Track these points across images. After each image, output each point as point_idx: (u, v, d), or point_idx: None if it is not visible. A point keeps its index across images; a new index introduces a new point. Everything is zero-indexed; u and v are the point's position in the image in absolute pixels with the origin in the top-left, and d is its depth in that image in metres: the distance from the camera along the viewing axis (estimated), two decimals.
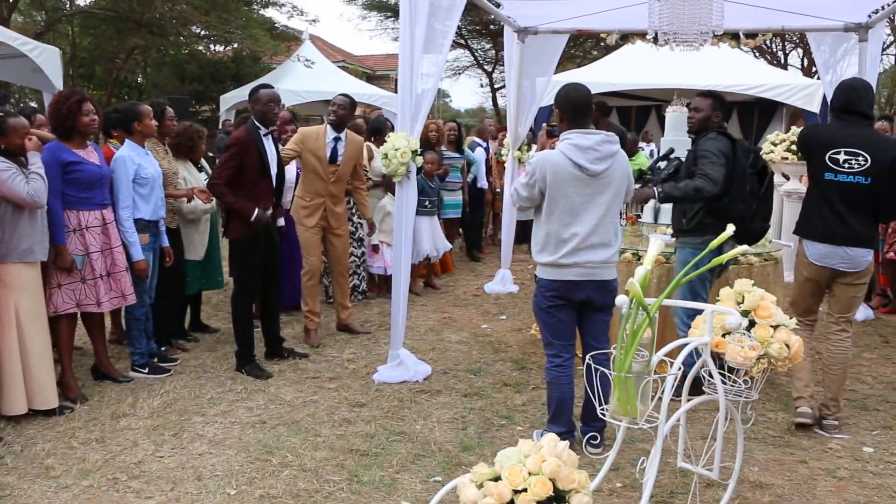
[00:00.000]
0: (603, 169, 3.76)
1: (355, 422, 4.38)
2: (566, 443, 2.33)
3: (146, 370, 5.10)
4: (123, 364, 5.26)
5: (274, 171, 5.31)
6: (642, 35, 7.23)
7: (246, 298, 5.34)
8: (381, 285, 7.68)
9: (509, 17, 7.44)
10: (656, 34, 5.97)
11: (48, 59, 9.34)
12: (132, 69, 22.40)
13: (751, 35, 7.21)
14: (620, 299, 2.83)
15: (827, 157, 4.23)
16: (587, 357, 2.89)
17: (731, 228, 3.02)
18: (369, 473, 3.73)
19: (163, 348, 5.50)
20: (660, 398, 2.72)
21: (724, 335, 2.97)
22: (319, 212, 5.91)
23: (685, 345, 2.90)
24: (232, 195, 5.07)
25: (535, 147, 8.66)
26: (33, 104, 13.75)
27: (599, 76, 13.01)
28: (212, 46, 22.47)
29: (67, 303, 4.58)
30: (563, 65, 16.12)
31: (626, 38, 7.81)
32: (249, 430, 4.24)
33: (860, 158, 4.15)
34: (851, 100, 4.30)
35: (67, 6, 19.81)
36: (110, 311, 5.03)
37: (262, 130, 5.19)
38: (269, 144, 5.26)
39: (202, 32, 19.45)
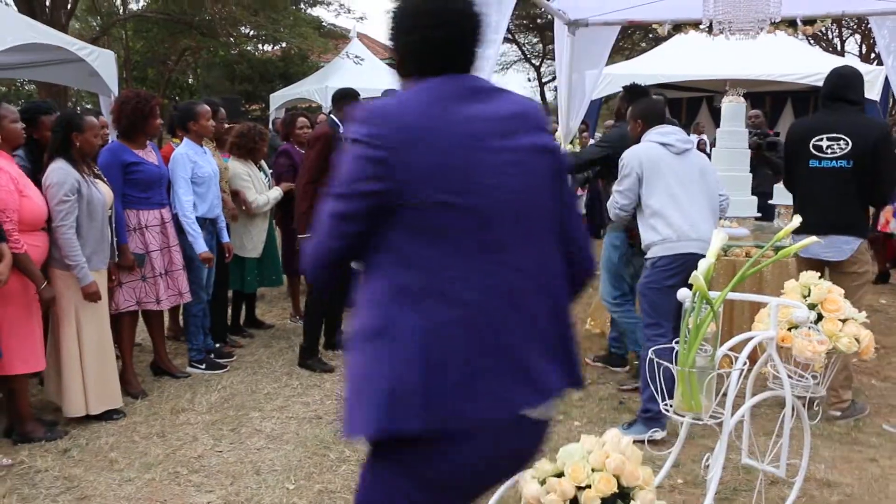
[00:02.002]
0: (688, 148, 4.15)
1: None
2: (629, 438, 2.30)
3: (203, 366, 5.18)
4: (181, 360, 5.35)
5: None
6: (696, 25, 7.11)
7: (317, 295, 5.35)
8: None
9: (560, 10, 7.38)
10: (711, 23, 5.85)
11: (104, 63, 9.55)
12: (183, 70, 22.81)
13: (809, 21, 7.04)
14: (683, 293, 2.78)
15: (811, 145, 4.41)
16: (649, 352, 2.83)
17: (797, 220, 2.93)
18: None
19: (218, 345, 5.58)
20: (724, 394, 2.66)
21: (790, 329, 2.89)
22: None
23: (750, 339, 2.83)
24: (308, 210, 5.06)
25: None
26: (89, 107, 14.09)
27: (649, 68, 12.82)
28: (261, 46, 22.73)
29: (128, 300, 4.67)
30: (611, 57, 15.93)
31: (678, 28, 7.69)
32: (306, 426, 4.27)
33: (841, 142, 4.30)
34: (838, 86, 4.44)
35: (122, 11, 20.23)
36: (168, 308, 5.11)
37: (340, 129, 5.24)
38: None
39: (251, 33, 19.69)
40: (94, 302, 4.14)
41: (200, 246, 4.98)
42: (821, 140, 4.37)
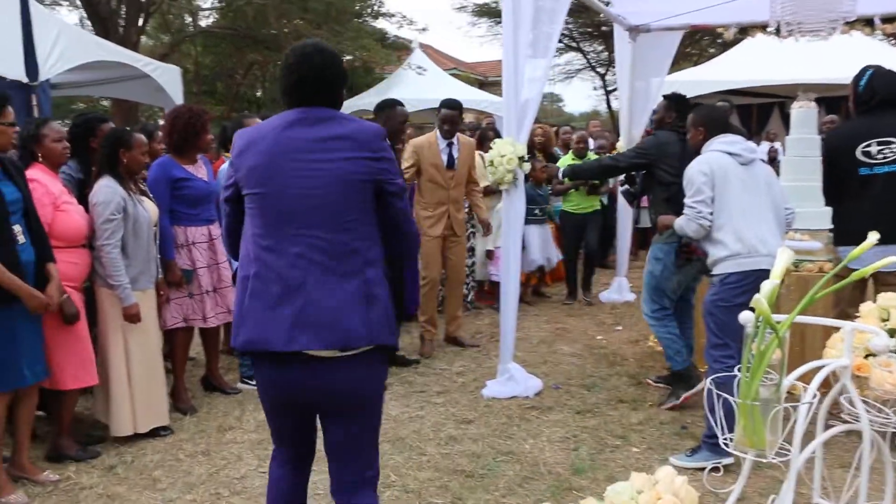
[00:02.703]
0: (754, 158, 3.95)
1: (462, 440, 4.22)
2: (684, 478, 2.10)
3: (254, 382, 5.11)
4: (233, 375, 5.30)
5: None
6: (763, 27, 6.79)
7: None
8: (497, 295, 7.49)
9: (619, 15, 7.15)
10: (779, 25, 5.55)
11: (169, 78, 9.72)
12: (251, 84, 23.17)
13: (888, 19, 6.63)
14: (745, 317, 2.57)
15: (858, 153, 4.22)
16: (707, 381, 2.62)
17: (873, 236, 2.68)
18: (474, 497, 3.57)
19: None
20: (792, 428, 2.43)
21: (866, 357, 2.63)
22: (444, 220, 5.84)
23: (821, 368, 2.59)
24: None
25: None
26: (161, 122, 14.40)
27: (717, 74, 12.41)
28: None
29: (175, 317, 4.64)
30: (678, 63, 15.51)
31: (745, 31, 7.38)
32: None
33: (893, 146, 4.15)
34: (879, 88, 4.25)
35: (191, 27, 20.68)
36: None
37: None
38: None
39: None
40: (133, 323, 4.10)
41: None
42: (869, 146, 4.19)
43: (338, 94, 2.45)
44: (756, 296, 2.42)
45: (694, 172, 3.92)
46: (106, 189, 4.02)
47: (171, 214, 4.58)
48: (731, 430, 2.50)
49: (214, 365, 5.12)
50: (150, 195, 4.39)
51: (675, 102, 4.95)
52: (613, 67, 29.09)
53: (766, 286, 2.49)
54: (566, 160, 7.41)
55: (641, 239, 9.60)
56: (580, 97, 65.64)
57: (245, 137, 2.42)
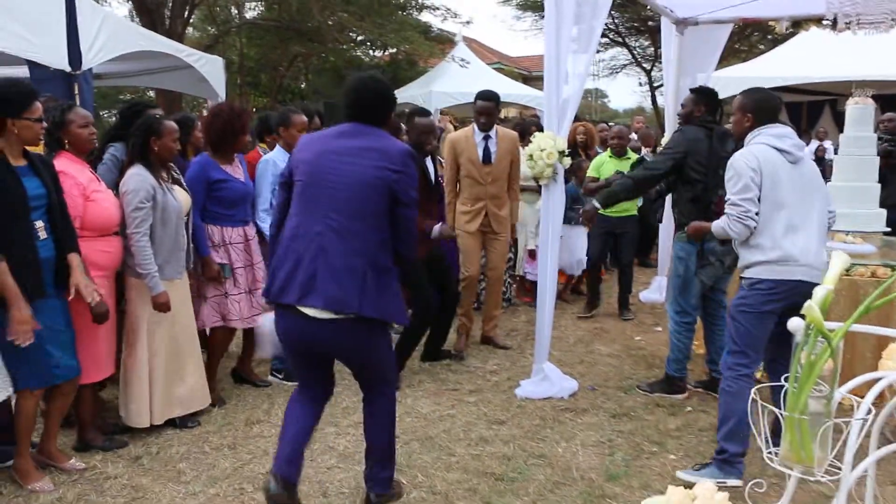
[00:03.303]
0: (803, 155, 3.67)
1: (493, 441, 4.11)
2: (725, 494, 1.96)
3: (282, 375, 5.06)
4: (264, 367, 5.25)
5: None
6: (818, 20, 6.56)
7: (427, 310, 5.13)
8: (535, 293, 7.30)
9: (667, 7, 6.95)
10: (835, 17, 5.32)
11: (212, 69, 9.73)
12: (295, 76, 23.28)
13: None
14: (795, 324, 2.41)
15: None
16: (752, 392, 2.47)
17: None
18: (503, 501, 3.45)
19: None
20: (843, 444, 2.27)
21: None
22: (481, 216, 5.67)
23: (876, 380, 2.42)
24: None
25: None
26: (205, 112, 14.48)
27: (767, 70, 12.01)
28: (371, 52, 22.96)
29: (214, 317, 4.57)
30: (726, 60, 15.14)
31: (798, 25, 7.14)
32: None
33: None
34: None
35: (236, 19, 20.83)
36: None
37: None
38: (428, 161, 5.19)
39: (359, 38, 19.88)
40: (163, 312, 4.05)
41: None
42: None
43: (383, 115, 3.09)
44: (808, 302, 2.28)
45: (741, 166, 3.57)
46: (136, 177, 3.97)
47: (208, 214, 4.52)
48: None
49: (248, 358, 5.06)
50: (184, 185, 4.33)
51: (704, 96, 4.75)
52: (660, 63, 28.62)
53: (820, 292, 2.35)
54: (603, 159, 7.07)
55: None
56: (625, 93, 64.90)
57: (307, 139, 3.17)
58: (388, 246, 3.01)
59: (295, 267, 2.93)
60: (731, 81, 9.44)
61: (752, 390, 2.46)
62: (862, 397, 2.35)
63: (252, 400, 4.73)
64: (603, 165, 6.93)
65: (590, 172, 6.99)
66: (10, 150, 3.37)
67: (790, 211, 3.53)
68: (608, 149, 7.27)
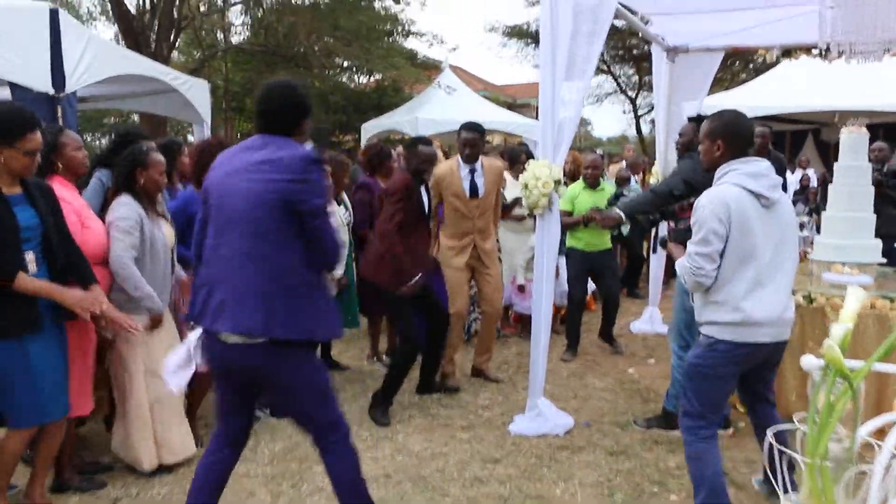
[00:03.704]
0: (778, 197, 3.22)
1: (488, 481, 3.96)
2: None
3: (268, 410, 4.89)
4: None
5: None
6: (808, 49, 6.53)
7: (410, 346, 4.99)
8: (525, 325, 7.18)
9: (658, 35, 6.93)
10: (829, 46, 5.28)
11: (198, 93, 9.57)
12: None
13: None
14: (809, 363, 2.30)
15: None
16: (769, 433, 2.35)
17: None
18: None
19: None
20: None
21: None
22: (468, 250, 5.51)
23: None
24: (402, 247, 4.86)
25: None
26: (191, 138, 14.35)
27: (750, 99, 12.01)
28: (356, 78, 22.95)
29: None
30: (709, 89, 15.19)
31: (787, 53, 7.12)
32: (372, 485, 3.84)
33: None
34: None
35: (222, 44, 20.76)
36: None
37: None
38: (423, 191, 5.11)
39: (345, 64, 19.86)
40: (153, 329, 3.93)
41: None
42: None
43: (291, 124, 2.88)
44: (826, 341, 2.16)
45: (707, 214, 3.13)
46: (125, 206, 3.82)
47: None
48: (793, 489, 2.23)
49: None
50: (168, 218, 4.18)
51: (702, 124, 4.58)
52: (644, 91, 28.87)
53: (838, 331, 2.23)
54: (577, 190, 6.59)
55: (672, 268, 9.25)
56: (609, 121, 65.16)
57: (220, 158, 2.98)
58: (302, 263, 2.81)
59: (209, 292, 2.83)
60: (713, 111, 9.42)
61: (769, 433, 2.34)
62: (882, 440, 2.23)
63: None
64: (578, 197, 6.52)
65: (563, 205, 6.26)
66: (2, 178, 3.21)
67: (759, 263, 3.14)
68: (580, 178, 6.81)
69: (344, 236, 5.75)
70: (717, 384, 3.26)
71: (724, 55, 7.42)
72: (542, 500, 3.74)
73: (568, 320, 6.72)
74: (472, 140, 5.43)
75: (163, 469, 4.02)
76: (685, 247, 3.33)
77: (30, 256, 3.25)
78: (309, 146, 3.03)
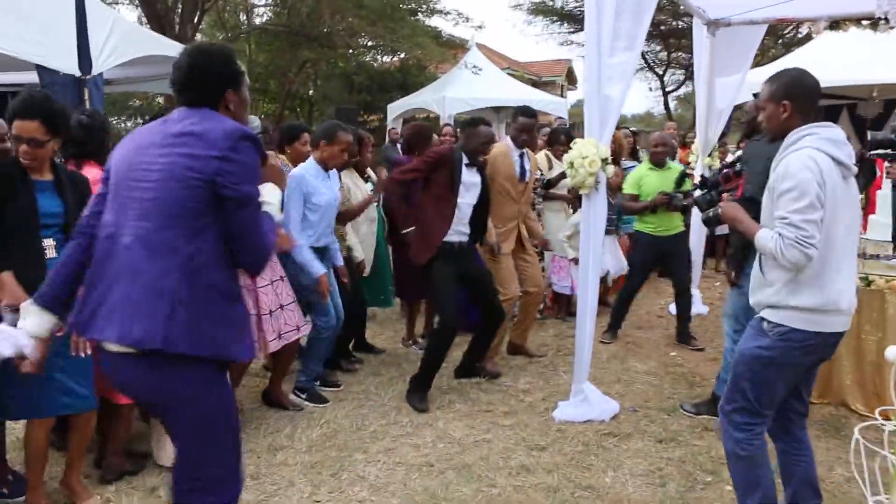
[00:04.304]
0: (855, 169, 2.88)
1: (535, 470, 3.82)
2: None
3: (305, 395, 4.78)
4: (286, 386, 4.95)
5: (473, 200, 4.91)
6: (857, 20, 6.27)
7: (449, 327, 4.81)
8: (561, 305, 7.04)
9: (699, 8, 6.68)
10: (886, 16, 5.03)
11: None
12: (304, 82, 23.05)
13: None
14: (893, 352, 2.14)
15: None
16: (856, 431, 2.19)
17: None
18: None
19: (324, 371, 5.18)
20: None
21: None
22: (513, 235, 5.44)
23: None
24: (401, 195, 4.74)
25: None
26: None
27: None
28: (380, 57, 22.76)
29: None
30: None
31: (835, 25, 6.85)
32: (415, 474, 3.78)
33: None
34: None
35: (245, 25, 20.64)
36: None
37: (465, 160, 4.82)
38: (469, 173, 4.86)
39: (369, 43, 19.69)
40: None
41: (317, 269, 4.54)
42: None
43: (212, 93, 2.37)
44: None
45: (805, 178, 2.69)
46: None
47: None
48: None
49: (279, 381, 4.77)
50: None
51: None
52: (672, 68, 28.40)
53: None
54: (642, 172, 6.28)
55: (712, 247, 9.04)
56: (635, 98, 64.19)
57: (131, 134, 2.50)
58: (220, 262, 2.28)
59: (98, 291, 2.27)
60: (746, 86, 9.15)
61: (856, 430, 2.18)
62: None
63: (274, 423, 4.46)
64: (643, 179, 6.18)
65: (628, 188, 6.25)
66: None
67: (838, 244, 2.80)
68: (646, 159, 6.57)
69: (372, 213, 5.65)
70: (784, 377, 2.92)
71: (766, 28, 7.16)
72: (593, 491, 3.60)
73: (617, 302, 6.50)
74: (530, 125, 5.38)
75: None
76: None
77: (48, 242, 3.20)
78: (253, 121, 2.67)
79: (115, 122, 24.10)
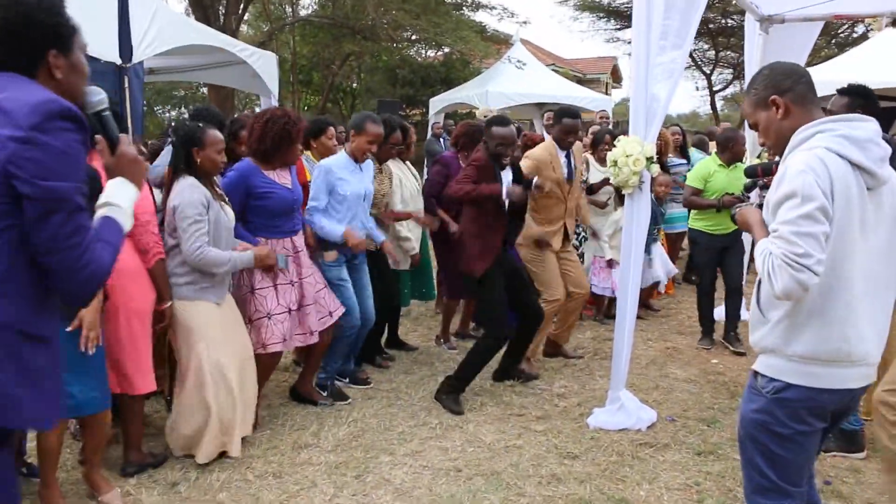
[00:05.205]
0: (887, 176, 2.22)
1: (566, 479, 3.67)
2: None
3: (325, 392, 4.69)
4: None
5: (506, 200, 4.74)
6: None
7: (494, 341, 4.69)
8: (600, 307, 6.86)
9: (752, 3, 6.43)
10: None
11: (265, 65, 9.52)
12: (347, 75, 23.10)
13: None
14: None
15: None
16: None
17: None
18: None
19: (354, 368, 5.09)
20: None
21: None
22: (560, 235, 5.29)
23: None
24: (473, 185, 4.52)
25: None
26: (258, 109, 14.29)
27: (836, 75, 11.27)
28: (423, 51, 22.69)
29: (254, 342, 4.06)
30: None
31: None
32: (442, 480, 3.66)
33: None
34: None
35: (290, 16, 20.70)
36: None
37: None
38: (504, 172, 4.70)
39: (413, 37, 19.62)
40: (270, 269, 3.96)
41: (336, 232, 4.45)
42: None
43: (30, 53, 1.80)
44: None
45: (811, 182, 2.09)
46: (189, 188, 3.64)
47: (250, 225, 4.15)
48: None
49: (310, 376, 4.68)
50: (227, 199, 3.96)
51: (859, 97, 3.67)
52: (720, 67, 27.90)
53: None
54: (710, 167, 5.99)
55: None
56: (681, 97, 63.26)
57: None
58: (22, 287, 1.73)
59: None
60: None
61: None
62: None
63: (300, 419, 4.37)
64: (712, 176, 5.93)
65: (693, 182, 5.99)
66: None
67: (860, 274, 2.18)
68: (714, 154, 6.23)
69: (419, 204, 5.52)
70: (793, 448, 2.27)
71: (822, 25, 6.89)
72: None
73: (700, 308, 6.29)
74: (575, 127, 5.21)
75: (223, 453, 3.84)
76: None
77: None
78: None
79: (159, 111, 24.41)
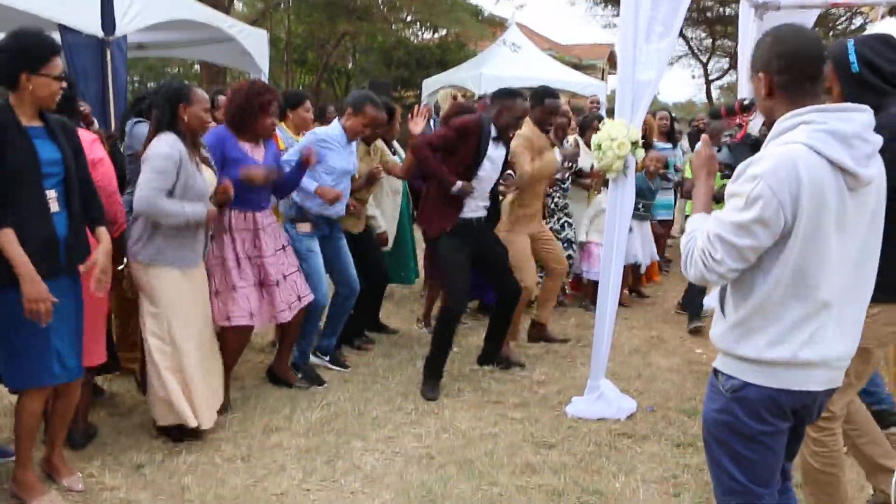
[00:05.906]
0: (872, 175, 2.03)
1: (541, 469, 3.59)
2: None
3: (300, 374, 4.60)
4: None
5: (496, 175, 4.68)
6: None
7: (452, 308, 4.59)
8: (587, 293, 6.77)
9: None
10: None
11: (255, 42, 9.38)
12: (342, 55, 22.90)
13: None
14: None
15: None
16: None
17: None
18: None
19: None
20: None
21: None
22: (538, 216, 5.35)
23: None
24: (434, 159, 4.46)
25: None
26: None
27: None
28: (419, 33, 22.52)
29: (219, 315, 3.96)
30: None
31: (895, 12, 6.44)
32: (413, 467, 3.58)
33: None
34: None
35: None
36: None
37: (493, 134, 4.54)
38: (494, 147, 4.58)
39: (409, 18, 19.46)
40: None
41: (309, 186, 4.42)
42: None
43: None
44: None
45: (763, 190, 1.94)
46: (166, 143, 3.49)
47: None
48: None
49: (286, 356, 4.59)
50: (212, 164, 3.84)
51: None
52: (716, 55, 27.75)
53: None
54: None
55: None
56: (677, 85, 63.21)
57: None
58: None
59: None
60: None
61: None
62: None
63: (273, 403, 4.28)
64: None
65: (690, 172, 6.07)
66: (23, 109, 2.95)
67: (812, 278, 2.01)
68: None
69: (396, 185, 5.48)
70: (757, 449, 2.15)
71: (818, 14, 6.79)
72: (600, 497, 3.36)
73: (687, 292, 6.32)
74: (559, 107, 5.33)
75: (190, 434, 3.74)
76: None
77: (51, 194, 2.99)
78: None
79: (151, 87, 24.16)
